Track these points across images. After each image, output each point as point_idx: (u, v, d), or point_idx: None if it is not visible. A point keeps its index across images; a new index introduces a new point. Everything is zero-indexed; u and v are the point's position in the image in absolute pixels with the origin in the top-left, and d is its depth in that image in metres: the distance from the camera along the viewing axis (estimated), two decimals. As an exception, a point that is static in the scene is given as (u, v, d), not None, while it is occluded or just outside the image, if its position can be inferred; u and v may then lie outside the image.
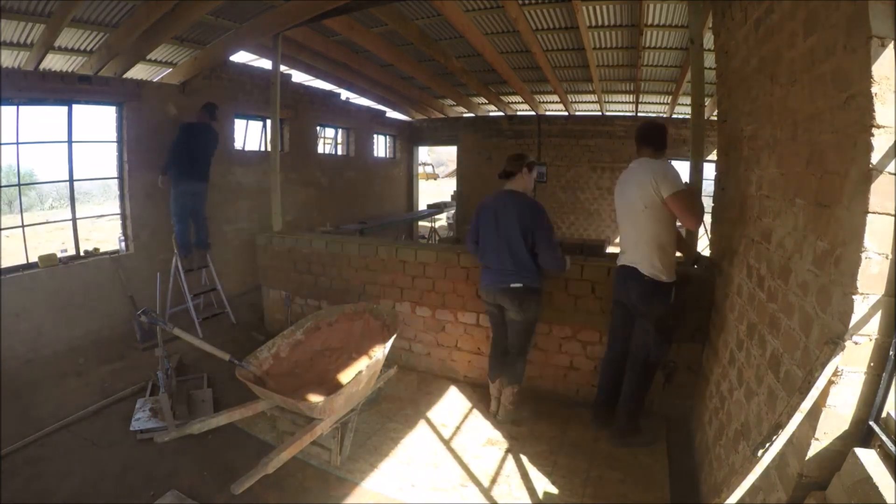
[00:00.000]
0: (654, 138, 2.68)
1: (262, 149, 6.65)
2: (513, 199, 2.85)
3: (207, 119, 4.92)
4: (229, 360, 2.62)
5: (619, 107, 8.69)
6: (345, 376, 2.94)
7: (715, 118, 4.70)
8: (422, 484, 2.48)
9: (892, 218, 1.16)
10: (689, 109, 5.55)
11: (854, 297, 1.19)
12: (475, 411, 3.23)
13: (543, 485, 2.47)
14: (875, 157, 1.15)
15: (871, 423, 1.23)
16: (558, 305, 3.25)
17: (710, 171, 3.50)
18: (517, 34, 5.25)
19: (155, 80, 5.11)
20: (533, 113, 9.35)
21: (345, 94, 8.44)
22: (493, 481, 2.51)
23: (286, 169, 6.54)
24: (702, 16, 3.27)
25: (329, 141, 8.53)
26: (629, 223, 2.66)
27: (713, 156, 3.92)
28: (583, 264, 3.17)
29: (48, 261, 4.20)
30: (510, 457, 2.72)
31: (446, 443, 2.86)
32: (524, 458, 2.70)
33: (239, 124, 6.24)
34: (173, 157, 4.66)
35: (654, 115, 8.73)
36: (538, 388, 3.42)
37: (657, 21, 4.79)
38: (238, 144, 6.31)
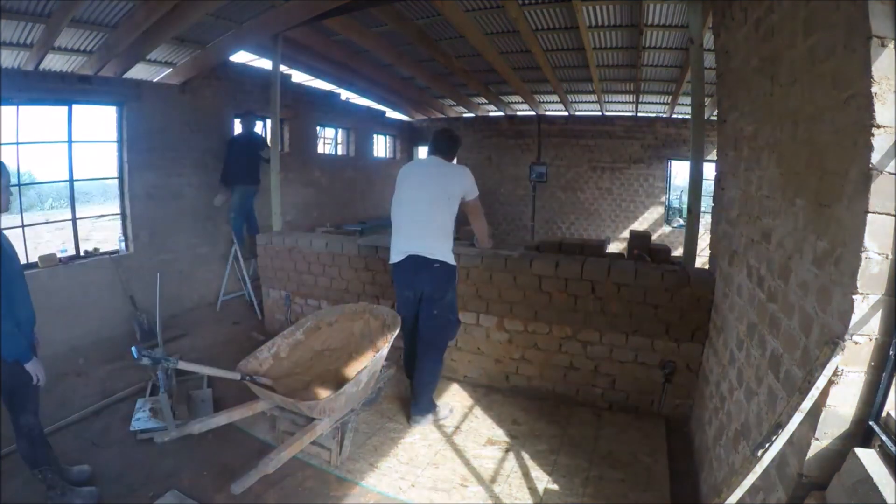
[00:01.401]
0: (448, 148, 2.95)
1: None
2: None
3: (245, 128, 5.55)
4: (241, 379, 2.55)
5: (619, 107, 8.69)
6: (345, 376, 2.94)
7: (715, 118, 4.70)
8: (422, 484, 2.48)
9: (892, 218, 1.16)
10: (689, 109, 5.55)
11: (854, 297, 1.19)
12: (475, 411, 3.24)
13: (544, 484, 2.47)
14: (875, 157, 1.15)
15: (871, 423, 1.23)
16: (558, 305, 3.26)
17: (710, 171, 3.50)
18: (517, 34, 5.24)
19: (155, 80, 5.11)
20: (533, 113, 9.36)
21: (345, 94, 8.44)
22: (494, 481, 2.51)
23: (286, 169, 6.52)
24: (702, 16, 3.27)
25: (329, 141, 8.53)
26: (423, 212, 2.75)
27: (713, 156, 3.92)
28: (583, 264, 3.17)
29: (48, 261, 4.21)
30: (510, 456, 2.72)
31: (446, 442, 2.87)
32: (524, 458, 2.70)
33: (239, 125, 6.23)
34: (224, 169, 5.44)
35: (654, 115, 8.74)
36: (538, 388, 3.43)
37: (657, 21, 4.79)
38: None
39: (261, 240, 4.65)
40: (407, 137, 10.82)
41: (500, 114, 9.67)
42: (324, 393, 2.74)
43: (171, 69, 5.09)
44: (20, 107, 4.03)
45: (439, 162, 2.92)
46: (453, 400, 3.39)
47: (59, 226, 5.70)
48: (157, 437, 2.43)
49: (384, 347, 2.74)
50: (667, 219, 9.21)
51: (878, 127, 1.15)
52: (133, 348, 2.14)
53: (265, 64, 5.87)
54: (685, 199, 5.26)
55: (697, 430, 2.77)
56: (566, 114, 9.20)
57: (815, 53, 1.49)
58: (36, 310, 2.22)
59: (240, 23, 4.47)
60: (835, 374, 1.23)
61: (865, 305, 1.19)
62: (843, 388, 1.24)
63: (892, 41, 1.14)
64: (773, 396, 1.62)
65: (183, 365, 2.35)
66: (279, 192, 4.80)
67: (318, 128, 7.84)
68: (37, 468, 2.21)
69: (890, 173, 1.15)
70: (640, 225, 9.16)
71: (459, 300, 3.56)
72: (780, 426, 1.28)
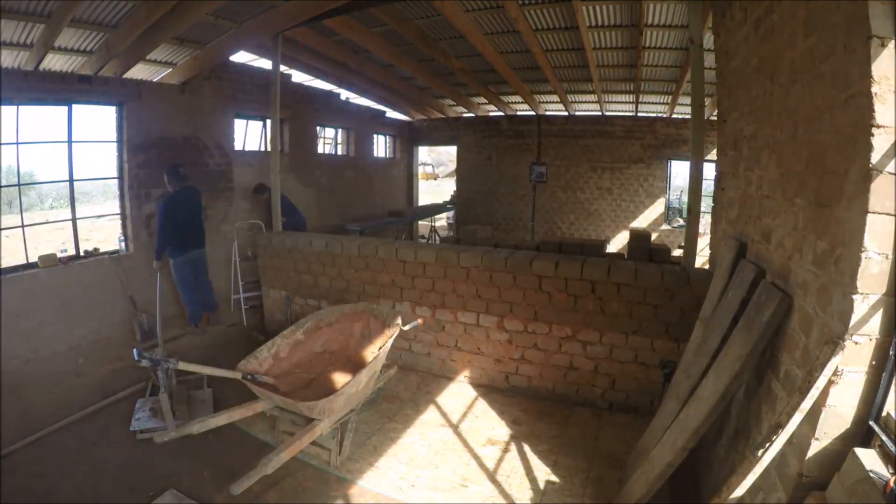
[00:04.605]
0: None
1: (262, 149, 6.65)
2: None
3: (177, 181, 4.49)
4: (242, 378, 2.56)
5: (619, 107, 8.69)
6: (344, 376, 2.94)
7: (715, 118, 4.71)
8: (422, 484, 2.48)
9: (892, 218, 1.16)
10: (689, 109, 5.55)
11: (854, 296, 1.19)
12: (475, 411, 3.24)
13: (543, 484, 2.47)
14: (875, 157, 1.15)
15: (871, 422, 1.23)
16: (558, 305, 3.25)
17: (710, 171, 3.50)
18: (517, 34, 5.25)
19: (155, 80, 5.10)
20: (533, 113, 9.35)
21: (345, 94, 8.43)
22: (493, 481, 2.51)
23: (286, 169, 6.53)
24: (702, 16, 3.27)
25: (329, 141, 8.53)
26: None
27: (713, 156, 3.92)
28: (583, 264, 3.17)
29: (48, 261, 4.20)
30: (510, 456, 2.72)
31: (446, 442, 2.86)
32: (524, 458, 2.70)
33: (239, 124, 6.24)
34: (163, 234, 4.38)
35: (654, 115, 8.73)
36: (538, 388, 3.43)
37: (657, 21, 4.79)
38: (238, 145, 6.30)
39: (261, 240, 4.65)
40: (407, 137, 10.81)
41: (500, 114, 9.67)
42: (323, 393, 2.74)
43: (171, 69, 5.09)
44: (20, 107, 4.02)
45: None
46: (453, 400, 3.39)
47: (59, 226, 5.71)
48: (157, 437, 2.42)
49: (384, 348, 2.74)
50: (667, 218, 9.21)
51: (878, 127, 1.15)
52: (133, 350, 2.15)
53: (265, 64, 5.87)
54: (685, 199, 5.26)
55: (697, 430, 2.76)
56: (566, 114, 9.20)
57: (815, 53, 1.49)
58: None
59: (240, 23, 4.48)
60: (835, 374, 1.23)
61: (865, 305, 1.19)
62: (843, 388, 1.24)
63: (892, 41, 1.14)
64: (773, 396, 1.62)
65: (183, 365, 2.35)
66: (279, 192, 4.79)
67: (318, 128, 7.84)
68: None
69: (890, 173, 1.15)
70: (639, 224, 9.15)
71: (460, 299, 3.58)
72: (780, 426, 1.28)
